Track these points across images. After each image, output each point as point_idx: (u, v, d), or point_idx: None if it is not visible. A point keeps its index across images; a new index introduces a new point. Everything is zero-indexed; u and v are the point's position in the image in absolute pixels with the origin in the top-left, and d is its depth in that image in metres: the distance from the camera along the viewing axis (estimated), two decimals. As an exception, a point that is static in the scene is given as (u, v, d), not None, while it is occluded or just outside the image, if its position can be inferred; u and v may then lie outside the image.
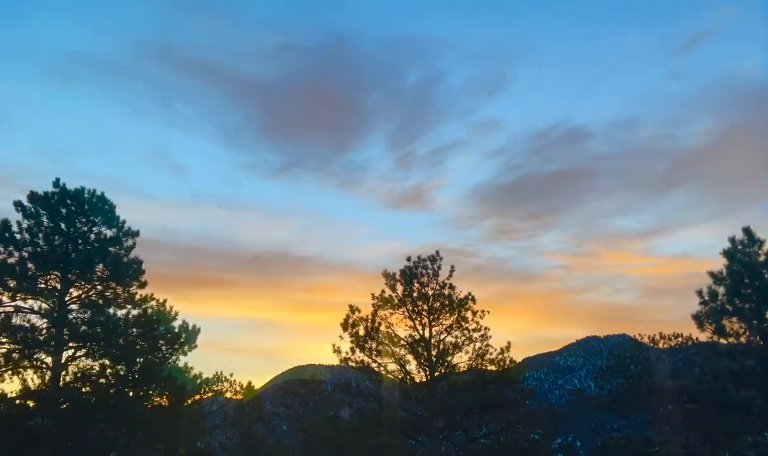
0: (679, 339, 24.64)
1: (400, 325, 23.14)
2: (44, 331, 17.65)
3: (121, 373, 18.27)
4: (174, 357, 19.49)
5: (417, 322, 23.09)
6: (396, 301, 23.17)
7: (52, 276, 18.23)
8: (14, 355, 17.13)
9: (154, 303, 18.98)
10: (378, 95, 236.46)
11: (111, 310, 18.52)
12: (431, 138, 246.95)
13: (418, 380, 23.20)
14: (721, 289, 17.62)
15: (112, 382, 18.21)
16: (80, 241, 18.60)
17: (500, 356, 22.59)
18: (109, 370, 18.16)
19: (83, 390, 18.20)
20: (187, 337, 19.73)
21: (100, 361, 18.20)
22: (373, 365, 23.09)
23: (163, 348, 18.97)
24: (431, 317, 23.01)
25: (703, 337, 18.26)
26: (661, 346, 25.71)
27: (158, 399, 19.28)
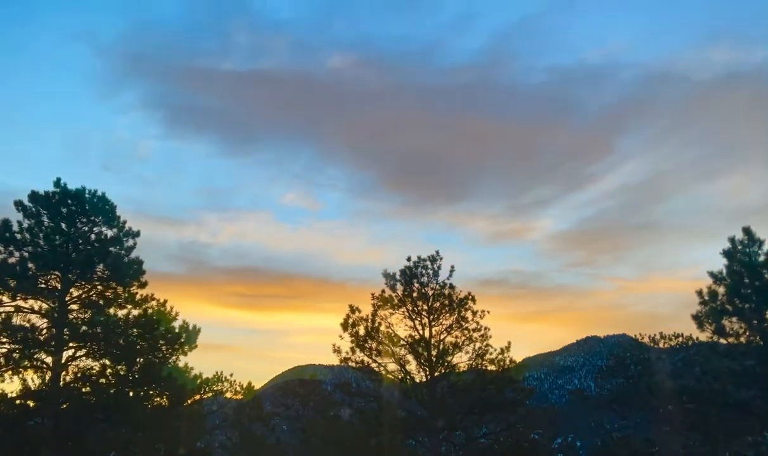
0: (679, 339, 24.59)
1: (400, 325, 23.15)
2: (44, 331, 17.63)
3: (121, 373, 18.25)
4: (174, 357, 19.48)
5: (417, 322, 23.09)
6: (396, 301, 23.16)
7: (53, 276, 18.22)
8: (14, 355, 17.11)
9: (154, 303, 18.97)
10: (498, 158, 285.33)
11: (111, 310, 18.50)
12: (536, 192, 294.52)
13: (418, 380, 23.20)
14: (721, 289, 17.64)
15: (112, 382, 18.19)
16: (81, 241, 18.59)
17: (500, 356, 22.60)
18: (109, 370, 18.14)
19: (83, 390, 18.17)
20: (187, 337, 19.72)
21: (101, 361, 18.19)
22: (373, 365, 23.10)
23: (163, 348, 18.94)
24: (431, 317, 23.00)
25: (703, 337, 18.29)
26: (661, 346, 25.67)
27: (158, 399, 19.26)
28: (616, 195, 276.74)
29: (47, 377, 17.68)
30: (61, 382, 17.76)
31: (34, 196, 18.29)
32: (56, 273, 18.20)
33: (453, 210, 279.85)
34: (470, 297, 22.97)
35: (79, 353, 18.07)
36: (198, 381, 27.10)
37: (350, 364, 23.03)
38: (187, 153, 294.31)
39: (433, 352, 22.78)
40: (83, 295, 18.55)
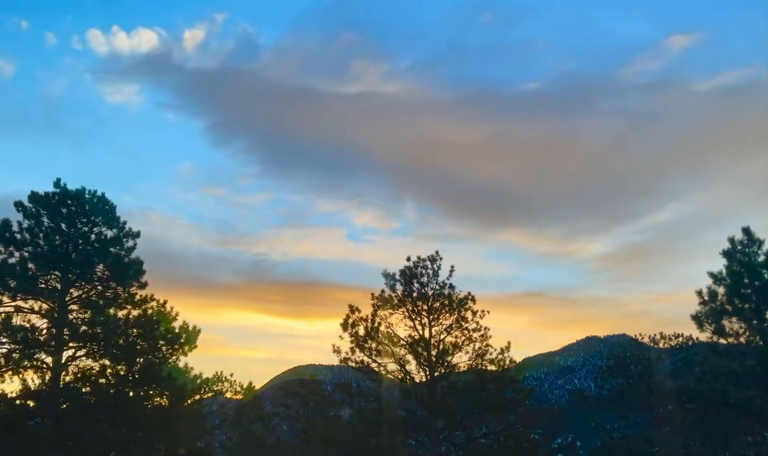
0: (679, 339, 24.60)
1: (400, 325, 23.14)
2: (44, 331, 17.64)
3: (121, 373, 18.26)
4: (174, 357, 19.50)
5: (417, 322, 23.08)
6: (396, 301, 23.15)
7: (53, 276, 18.23)
8: (14, 355, 17.11)
9: (154, 303, 18.97)
10: (561, 189, 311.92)
11: (111, 311, 18.50)
12: (589, 220, 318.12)
13: (418, 380, 23.20)
14: (720, 289, 17.63)
15: (112, 382, 18.20)
16: (81, 242, 18.59)
17: (500, 356, 22.60)
18: (109, 370, 18.16)
19: (83, 390, 18.19)
20: (188, 337, 19.74)
21: (100, 361, 18.20)
22: (373, 365, 23.10)
23: (163, 348, 18.96)
24: (431, 317, 22.99)
25: (703, 337, 18.29)
26: (661, 346, 25.69)
27: (158, 399, 19.27)
28: (662, 227, 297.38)
29: (47, 377, 17.68)
30: (61, 382, 17.77)
31: (33, 196, 18.28)
32: (56, 273, 18.21)
33: (514, 232, 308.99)
34: (470, 297, 22.97)
35: (79, 353, 18.07)
36: (198, 381, 27.15)
37: (350, 364, 23.03)
38: (280, 188, 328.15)
39: (433, 352, 22.77)
40: (83, 295, 18.55)
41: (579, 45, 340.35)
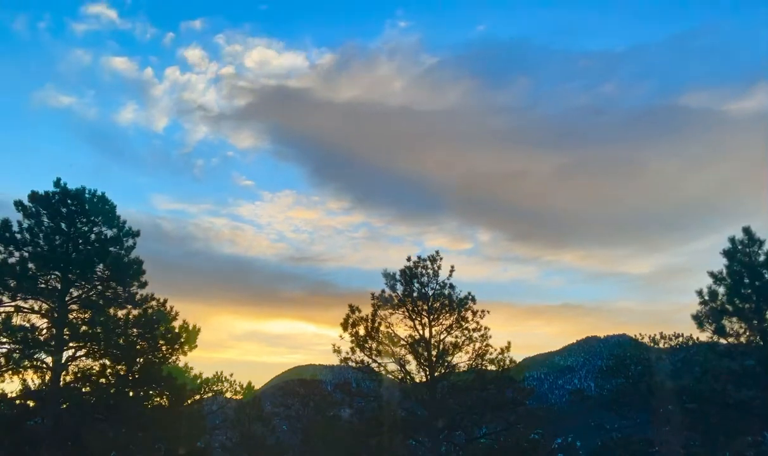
0: (679, 339, 24.65)
1: (400, 325, 23.11)
2: (44, 331, 17.64)
3: (121, 373, 18.26)
4: (174, 357, 19.48)
5: (417, 322, 23.06)
6: (396, 301, 23.12)
7: (53, 276, 18.21)
8: (14, 355, 17.11)
9: (154, 303, 18.94)
10: (608, 220, 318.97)
11: (111, 310, 18.49)
12: (636, 245, 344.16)
13: (418, 380, 23.18)
14: (721, 289, 17.64)
15: (112, 382, 18.20)
16: (81, 241, 18.58)
17: (500, 356, 22.57)
18: (109, 370, 18.14)
19: (83, 390, 18.20)
20: (188, 337, 19.71)
21: (101, 361, 18.19)
22: (373, 365, 23.07)
23: (163, 348, 18.94)
24: (431, 317, 22.97)
25: (703, 337, 18.32)
26: (661, 346, 25.74)
27: (158, 399, 19.27)
28: (700, 252, 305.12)
29: (47, 377, 17.68)
30: (61, 382, 17.76)
31: (34, 196, 18.26)
32: (56, 273, 18.19)
33: (570, 253, 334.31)
34: (470, 297, 22.95)
35: (79, 353, 18.07)
36: (198, 381, 27.14)
37: (350, 364, 22.99)
38: (365, 214, 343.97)
39: (433, 352, 22.75)
40: (83, 295, 18.54)
41: (665, 85, 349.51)
